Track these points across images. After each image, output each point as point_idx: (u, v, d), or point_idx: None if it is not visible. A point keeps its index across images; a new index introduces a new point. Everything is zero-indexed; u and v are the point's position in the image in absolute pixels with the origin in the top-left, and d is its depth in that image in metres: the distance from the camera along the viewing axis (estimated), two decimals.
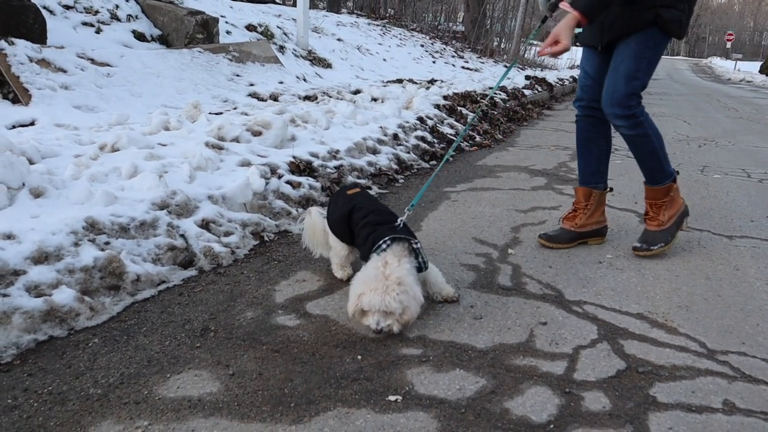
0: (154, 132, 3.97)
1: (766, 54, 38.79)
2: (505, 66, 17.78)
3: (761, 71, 35.96)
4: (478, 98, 7.61)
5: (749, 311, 2.40)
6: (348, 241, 2.43)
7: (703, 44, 77.00)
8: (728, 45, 44.14)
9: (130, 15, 7.21)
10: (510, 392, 1.77)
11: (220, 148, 3.70)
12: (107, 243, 2.47)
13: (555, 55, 2.62)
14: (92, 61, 5.65)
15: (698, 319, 2.30)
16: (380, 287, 1.99)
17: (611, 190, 3.19)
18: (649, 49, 2.73)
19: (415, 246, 2.19)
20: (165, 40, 7.32)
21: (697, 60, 56.93)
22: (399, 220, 2.28)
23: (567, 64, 27.46)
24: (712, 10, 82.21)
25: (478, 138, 6.20)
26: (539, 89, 11.08)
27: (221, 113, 5.20)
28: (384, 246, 2.13)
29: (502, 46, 22.98)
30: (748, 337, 2.17)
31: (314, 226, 2.62)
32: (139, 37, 7.03)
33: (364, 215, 2.30)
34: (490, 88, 8.77)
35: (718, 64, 42.76)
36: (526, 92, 9.97)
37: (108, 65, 5.77)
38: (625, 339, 2.13)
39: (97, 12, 6.87)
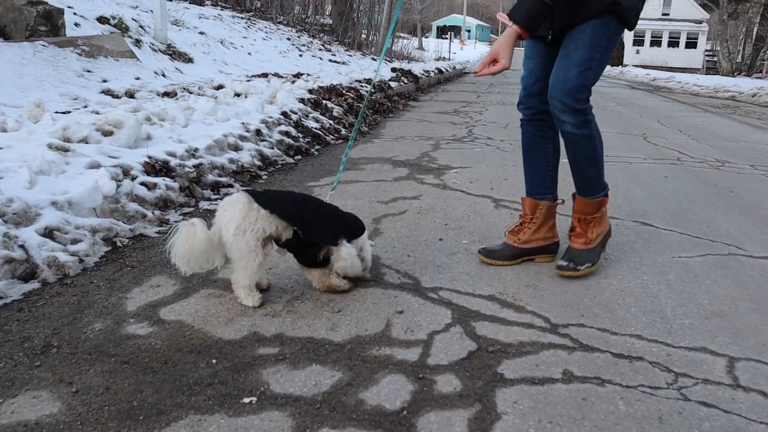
0: None
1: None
2: (374, 59, 18.02)
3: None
4: (344, 91, 7.66)
5: (588, 285, 2.60)
6: None
7: None
8: None
9: None
10: (365, 383, 1.81)
11: (66, 150, 3.47)
12: None
13: (494, 74, 2.42)
14: None
15: (543, 297, 2.47)
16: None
17: (563, 202, 2.90)
18: (605, 37, 2.44)
19: None
20: (2, 33, 6.72)
21: None
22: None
23: (434, 56, 28.32)
24: None
25: (343, 131, 6.24)
26: (405, 81, 11.35)
27: (69, 112, 4.86)
28: None
29: (370, 38, 23.24)
30: (587, 309, 2.36)
31: (196, 238, 2.19)
32: None
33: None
34: (367, 82, 8.85)
35: None
36: (393, 84, 10.16)
37: None
38: (477, 321, 2.24)
39: None
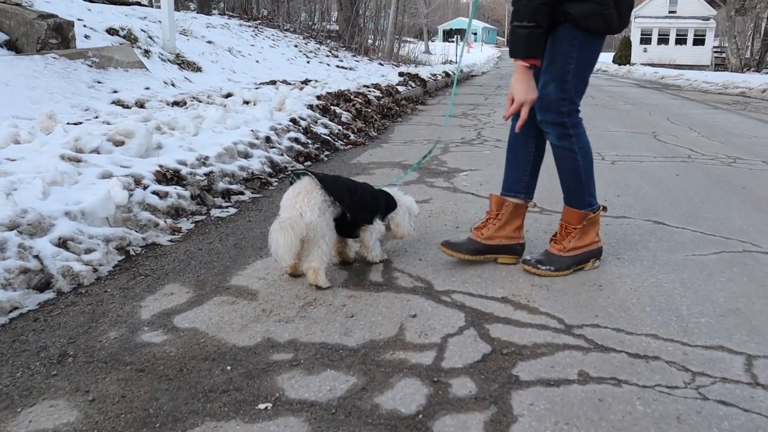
0: (2, 146, 3.68)
1: (617, 45, 42.00)
2: (381, 64, 18.04)
3: (614, 61, 38.86)
4: (352, 96, 7.68)
5: (602, 284, 2.59)
6: None
7: None
8: None
9: None
10: (380, 387, 1.80)
11: (78, 161, 3.50)
12: None
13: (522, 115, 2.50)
14: None
15: (557, 297, 2.45)
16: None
17: (534, 205, 2.96)
18: (574, 47, 2.44)
19: None
20: (14, 46, 6.80)
21: None
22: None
23: (440, 59, 28.33)
24: None
25: (352, 137, 6.25)
26: (413, 85, 11.35)
27: (81, 123, 4.91)
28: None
29: (377, 43, 23.29)
30: (601, 310, 2.34)
31: (293, 232, 2.34)
32: None
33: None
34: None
35: None
36: (400, 89, 10.18)
37: None
38: (491, 323, 2.23)
39: None
